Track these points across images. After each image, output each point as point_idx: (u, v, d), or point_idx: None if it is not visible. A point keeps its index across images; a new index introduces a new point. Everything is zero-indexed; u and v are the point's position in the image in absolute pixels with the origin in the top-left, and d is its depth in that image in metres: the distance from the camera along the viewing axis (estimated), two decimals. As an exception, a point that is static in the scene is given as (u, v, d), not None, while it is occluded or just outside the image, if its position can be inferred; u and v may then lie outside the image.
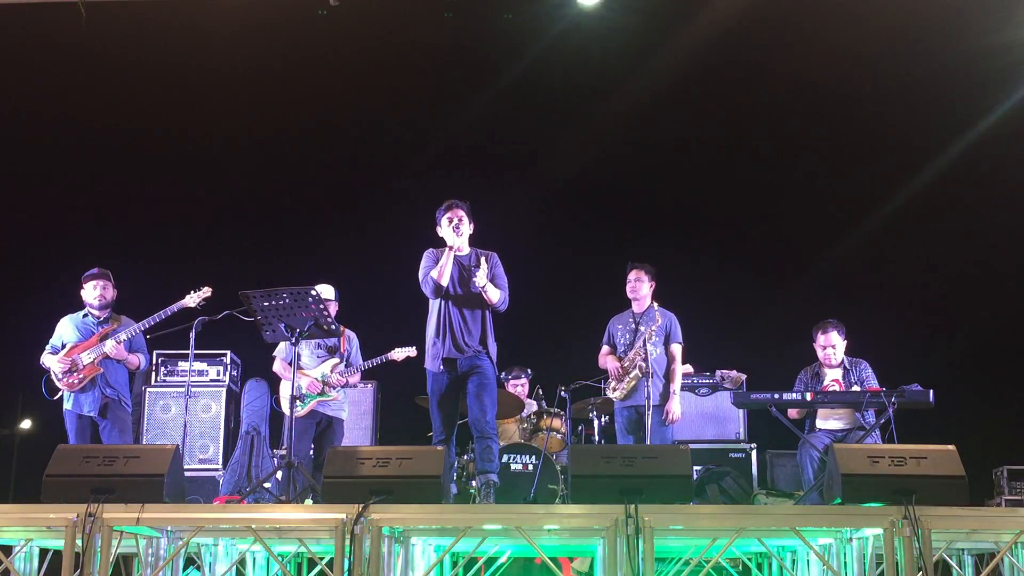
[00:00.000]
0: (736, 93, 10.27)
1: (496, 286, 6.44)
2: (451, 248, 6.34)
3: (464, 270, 6.42)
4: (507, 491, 6.96)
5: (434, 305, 6.45)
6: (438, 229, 6.45)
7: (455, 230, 6.35)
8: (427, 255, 6.48)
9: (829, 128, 10.13)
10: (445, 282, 6.33)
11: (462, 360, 6.34)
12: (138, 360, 7.09)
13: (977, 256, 10.09)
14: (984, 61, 9.20)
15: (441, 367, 6.35)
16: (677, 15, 9.61)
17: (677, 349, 7.10)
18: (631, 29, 9.52)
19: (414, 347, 7.66)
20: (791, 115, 10.12)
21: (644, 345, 6.88)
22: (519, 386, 8.46)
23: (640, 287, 7.17)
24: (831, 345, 7.05)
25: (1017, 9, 8.81)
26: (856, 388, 6.93)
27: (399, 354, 7.72)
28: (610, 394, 7.12)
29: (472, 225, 6.49)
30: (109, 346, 6.85)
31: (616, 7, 9.01)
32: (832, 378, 7.07)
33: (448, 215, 6.41)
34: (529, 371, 8.57)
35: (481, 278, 6.27)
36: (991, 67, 9.27)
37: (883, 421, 6.68)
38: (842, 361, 7.10)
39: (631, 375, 6.92)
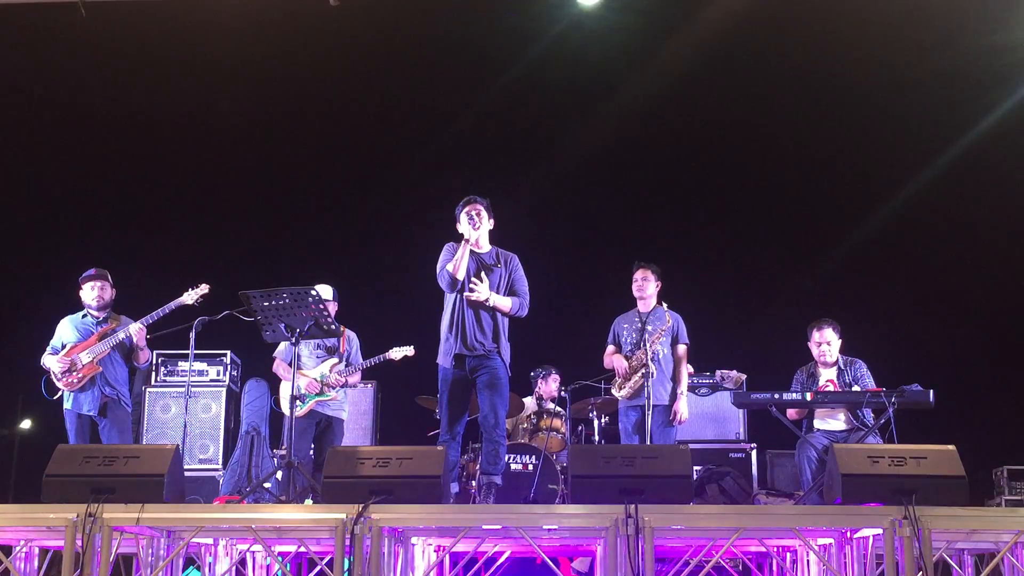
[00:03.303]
0: (737, 94, 10.27)
1: (515, 291, 6.41)
2: (467, 241, 6.29)
3: (483, 268, 6.39)
4: (507, 491, 6.96)
5: (449, 300, 6.41)
6: (458, 226, 6.41)
7: (471, 223, 6.33)
8: (446, 248, 6.45)
9: (829, 128, 10.14)
10: (461, 276, 6.26)
11: (472, 358, 6.29)
12: (147, 354, 7.11)
13: (977, 255, 10.09)
14: (984, 61, 9.20)
15: (452, 363, 6.30)
16: (677, 15, 9.62)
17: (683, 349, 7.12)
18: (631, 29, 9.52)
19: (412, 347, 7.66)
20: (791, 115, 10.13)
21: (651, 345, 6.89)
22: (554, 382, 8.48)
23: (647, 286, 7.18)
24: (826, 342, 7.04)
25: (1017, 9, 8.81)
26: (856, 388, 6.93)
27: (397, 353, 7.71)
28: (615, 392, 7.12)
29: (492, 221, 6.46)
30: (134, 328, 6.85)
31: (616, 7, 9.01)
32: (827, 378, 7.07)
33: (467, 209, 6.36)
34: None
35: (483, 291, 6.25)
36: (991, 67, 9.28)
37: (883, 421, 6.68)
38: (837, 361, 7.09)
39: (639, 374, 6.93)
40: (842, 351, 7.12)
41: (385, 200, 10.61)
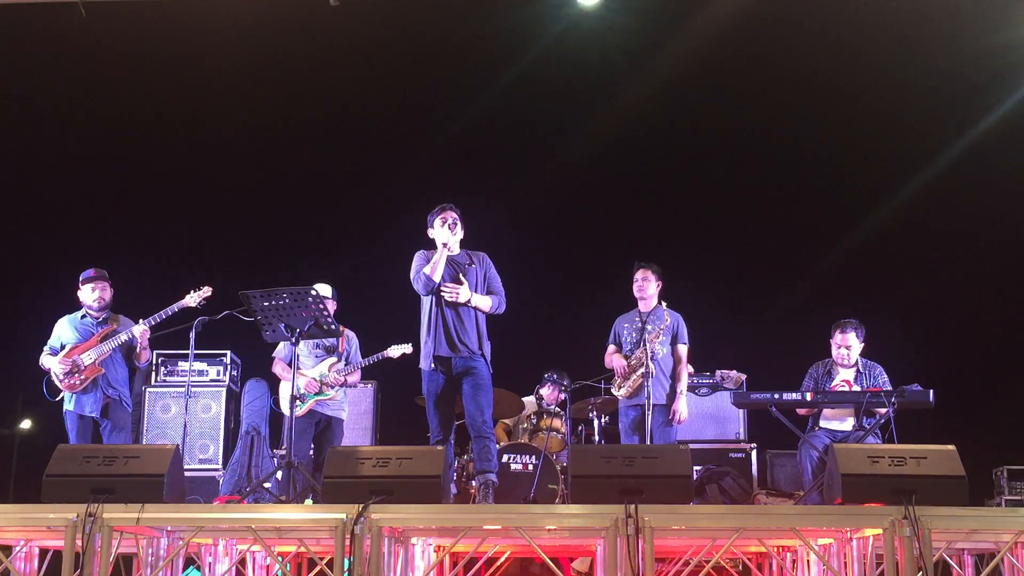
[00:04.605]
0: (737, 93, 10.27)
1: (491, 289, 6.49)
2: (444, 245, 6.36)
3: (456, 269, 6.44)
4: (507, 491, 6.96)
5: (425, 305, 6.46)
6: (429, 231, 6.48)
7: (450, 229, 6.38)
8: (418, 255, 6.50)
9: (830, 128, 10.13)
10: (438, 278, 6.32)
11: (456, 360, 6.33)
12: (148, 355, 7.11)
13: (977, 255, 10.08)
14: (984, 61, 9.20)
15: (433, 365, 6.35)
16: (677, 15, 9.61)
17: (683, 349, 7.13)
18: (631, 29, 9.52)
19: (410, 344, 7.65)
20: (792, 115, 10.12)
21: (650, 344, 6.90)
22: (557, 392, 8.44)
23: (647, 286, 7.19)
24: (846, 346, 7.04)
25: (1017, 9, 8.80)
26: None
27: (395, 351, 7.72)
28: (615, 391, 7.14)
29: (463, 230, 6.52)
30: (138, 329, 6.85)
31: (616, 7, 9.01)
32: (843, 378, 7.06)
33: (441, 216, 6.45)
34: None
35: (464, 292, 6.30)
36: (991, 67, 9.27)
37: (883, 421, 6.68)
38: (856, 363, 7.08)
39: (637, 373, 6.94)
40: (862, 354, 7.11)
41: (385, 199, 10.60)
